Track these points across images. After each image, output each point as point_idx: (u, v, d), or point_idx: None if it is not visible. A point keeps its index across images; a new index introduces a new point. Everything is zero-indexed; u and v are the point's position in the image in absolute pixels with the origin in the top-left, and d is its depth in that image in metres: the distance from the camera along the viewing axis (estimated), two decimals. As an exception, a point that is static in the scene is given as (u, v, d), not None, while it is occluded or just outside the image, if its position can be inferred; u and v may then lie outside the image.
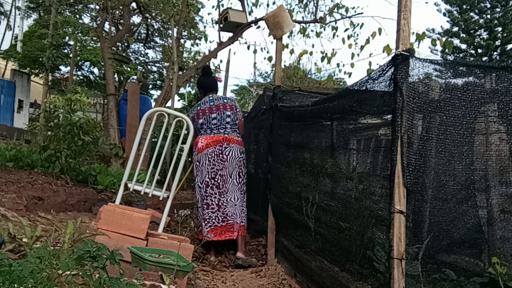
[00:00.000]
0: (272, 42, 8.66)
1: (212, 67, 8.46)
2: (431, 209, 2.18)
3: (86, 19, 11.59)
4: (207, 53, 7.03)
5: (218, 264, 4.01)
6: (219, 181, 4.12)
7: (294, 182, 3.57)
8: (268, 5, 7.34)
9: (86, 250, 1.49)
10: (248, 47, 7.69)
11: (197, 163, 4.19)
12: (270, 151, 4.22)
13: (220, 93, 4.69)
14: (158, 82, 16.34)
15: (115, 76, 11.71)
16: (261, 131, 4.85)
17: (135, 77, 13.07)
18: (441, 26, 24.49)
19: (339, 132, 2.87)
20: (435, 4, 24.02)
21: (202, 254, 4.15)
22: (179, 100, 22.15)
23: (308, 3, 7.00)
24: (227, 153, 4.13)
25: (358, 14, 6.72)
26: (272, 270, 3.75)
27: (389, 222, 2.05)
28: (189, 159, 5.57)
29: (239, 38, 6.76)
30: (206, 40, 8.95)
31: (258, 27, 6.87)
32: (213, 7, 16.99)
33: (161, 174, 4.92)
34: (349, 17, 6.72)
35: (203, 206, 4.15)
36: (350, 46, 6.56)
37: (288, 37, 7.34)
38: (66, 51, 13.89)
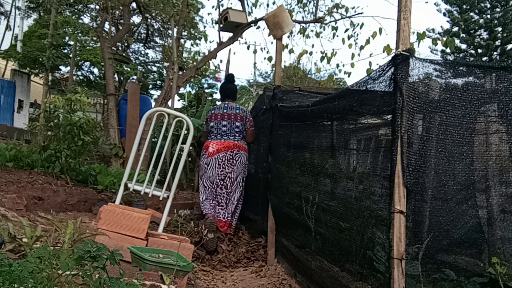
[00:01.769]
0: (272, 42, 8.68)
1: (212, 67, 8.47)
2: (431, 209, 2.18)
3: (86, 19, 11.61)
4: (207, 53, 7.03)
5: (218, 264, 4.01)
6: (227, 182, 4.55)
7: (294, 182, 3.57)
8: (268, 5, 7.35)
9: (86, 250, 1.49)
10: (248, 47, 7.69)
11: (206, 166, 4.58)
12: (270, 151, 4.22)
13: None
14: (158, 82, 16.34)
15: (115, 76, 11.70)
16: (261, 131, 4.85)
17: (135, 77, 13.06)
18: (441, 26, 24.49)
19: (339, 132, 2.87)
20: (435, 4, 24.02)
21: (202, 255, 4.15)
22: (179, 100, 22.15)
23: (308, 3, 7.01)
24: (237, 158, 4.55)
25: (358, 14, 6.72)
26: (272, 270, 3.76)
27: (389, 222, 2.05)
28: (189, 159, 5.66)
29: (239, 38, 6.75)
30: (206, 40, 8.95)
31: (258, 27, 6.87)
32: (213, 7, 17.01)
33: (161, 174, 4.93)
34: (349, 17, 6.72)
35: (213, 203, 4.55)
36: (350, 46, 6.56)
37: (288, 37, 7.34)
38: (66, 51, 13.88)
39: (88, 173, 5.14)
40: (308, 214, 3.06)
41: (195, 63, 7.44)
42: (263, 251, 4.24)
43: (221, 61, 15.29)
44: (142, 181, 3.98)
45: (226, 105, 4.71)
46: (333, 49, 6.89)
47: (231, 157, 4.51)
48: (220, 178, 4.51)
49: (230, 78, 5.17)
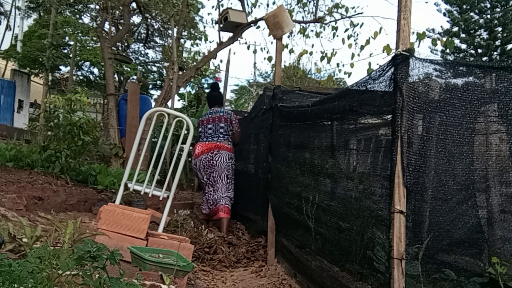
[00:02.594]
0: (272, 42, 8.68)
1: (212, 67, 8.48)
2: (431, 209, 2.18)
3: (86, 19, 11.60)
4: (207, 53, 7.03)
5: (218, 264, 4.01)
6: (212, 181, 4.95)
7: (294, 182, 3.57)
8: (268, 5, 7.35)
9: (86, 250, 1.49)
10: (248, 47, 7.70)
11: (194, 166, 5.08)
12: (270, 151, 4.22)
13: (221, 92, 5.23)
14: (158, 82, 16.33)
15: (115, 76, 11.70)
16: (261, 131, 4.85)
17: (135, 77, 13.07)
18: (441, 26, 24.48)
19: (339, 132, 2.87)
20: (435, 4, 24.01)
21: (203, 254, 4.15)
22: (179, 100, 22.12)
23: (308, 3, 7.00)
24: (217, 158, 4.88)
25: (358, 14, 6.73)
26: (272, 270, 3.76)
27: (389, 222, 2.05)
28: (189, 159, 5.83)
29: (239, 38, 6.75)
30: (206, 40, 8.96)
31: (258, 27, 6.87)
32: (213, 7, 17.00)
33: (161, 174, 4.93)
34: (349, 17, 6.72)
35: (203, 199, 5.08)
36: (350, 46, 6.56)
37: (288, 37, 7.35)
38: (66, 51, 13.87)
39: (88, 173, 5.14)
40: (308, 214, 3.06)
41: (195, 63, 7.43)
42: (263, 251, 4.23)
43: (221, 61, 15.28)
44: (142, 181, 3.98)
45: (211, 111, 5.13)
46: (333, 49, 6.90)
47: (211, 157, 4.88)
48: (206, 177, 4.95)
49: (214, 86, 5.63)
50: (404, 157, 2.02)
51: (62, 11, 11.99)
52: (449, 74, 2.24)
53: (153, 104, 7.82)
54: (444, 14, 24.17)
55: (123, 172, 3.79)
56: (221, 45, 6.68)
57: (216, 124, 4.99)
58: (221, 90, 6.02)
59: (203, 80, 16.02)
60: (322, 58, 6.86)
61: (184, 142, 3.78)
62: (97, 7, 7.43)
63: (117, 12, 7.46)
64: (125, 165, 4.33)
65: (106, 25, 7.40)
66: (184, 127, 3.74)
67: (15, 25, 14.65)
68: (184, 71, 7.09)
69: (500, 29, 22.62)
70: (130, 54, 13.56)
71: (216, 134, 4.95)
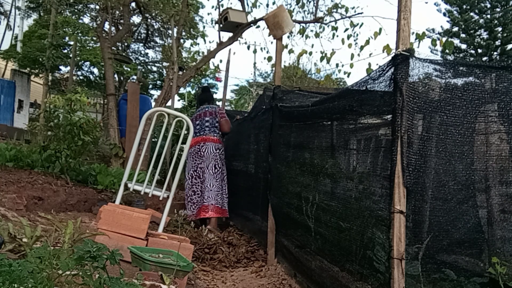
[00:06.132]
0: (272, 42, 8.68)
1: (212, 67, 8.50)
2: (431, 209, 2.18)
3: (86, 19, 11.61)
4: (206, 53, 7.03)
5: (218, 264, 4.01)
6: (199, 172, 5.02)
7: (294, 182, 3.57)
8: (268, 5, 7.35)
9: (86, 250, 1.49)
10: (248, 47, 7.70)
11: (186, 161, 4.91)
12: (270, 151, 4.22)
13: (220, 92, 5.44)
14: (158, 82, 16.34)
15: (115, 76, 11.70)
16: (261, 131, 4.84)
17: (135, 77, 13.07)
18: (441, 26, 24.48)
19: (339, 132, 2.87)
20: (435, 4, 24.01)
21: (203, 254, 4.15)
22: (179, 100, 22.16)
23: (307, 3, 7.01)
24: (203, 150, 5.03)
25: (358, 14, 6.73)
26: (272, 270, 3.76)
27: (389, 222, 2.05)
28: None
29: (239, 38, 6.76)
30: (204, 39, 8.98)
31: (258, 27, 6.87)
32: (213, 7, 17.01)
33: (161, 174, 4.94)
34: (349, 17, 6.72)
35: (190, 192, 5.02)
36: (350, 46, 6.56)
37: (288, 37, 7.35)
38: (66, 51, 13.88)
39: (88, 173, 5.14)
40: (308, 214, 3.06)
41: (195, 63, 7.44)
42: (263, 251, 4.23)
43: (221, 61, 15.29)
44: (142, 181, 3.98)
45: (199, 109, 5.32)
46: (332, 49, 6.89)
47: (198, 149, 5.02)
48: (193, 169, 5.03)
49: (206, 88, 5.89)
50: (404, 157, 2.02)
51: (62, 11, 11.99)
52: (449, 74, 2.23)
53: (153, 104, 7.82)
54: (444, 14, 24.18)
55: (123, 172, 3.79)
56: (221, 45, 6.69)
57: (202, 119, 5.15)
58: (221, 90, 6.10)
59: (203, 80, 16.04)
60: (321, 58, 6.86)
61: (184, 142, 3.78)
62: (97, 7, 7.44)
63: (117, 12, 7.47)
64: (125, 165, 4.33)
65: (106, 25, 7.41)
66: (184, 127, 3.74)
67: (15, 25, 14.66)
68: (184, 71, 7.09)
69: (500, 29, 22.62)
70: (130, 54, 13.56)
71: (203, 128, 5.11)
